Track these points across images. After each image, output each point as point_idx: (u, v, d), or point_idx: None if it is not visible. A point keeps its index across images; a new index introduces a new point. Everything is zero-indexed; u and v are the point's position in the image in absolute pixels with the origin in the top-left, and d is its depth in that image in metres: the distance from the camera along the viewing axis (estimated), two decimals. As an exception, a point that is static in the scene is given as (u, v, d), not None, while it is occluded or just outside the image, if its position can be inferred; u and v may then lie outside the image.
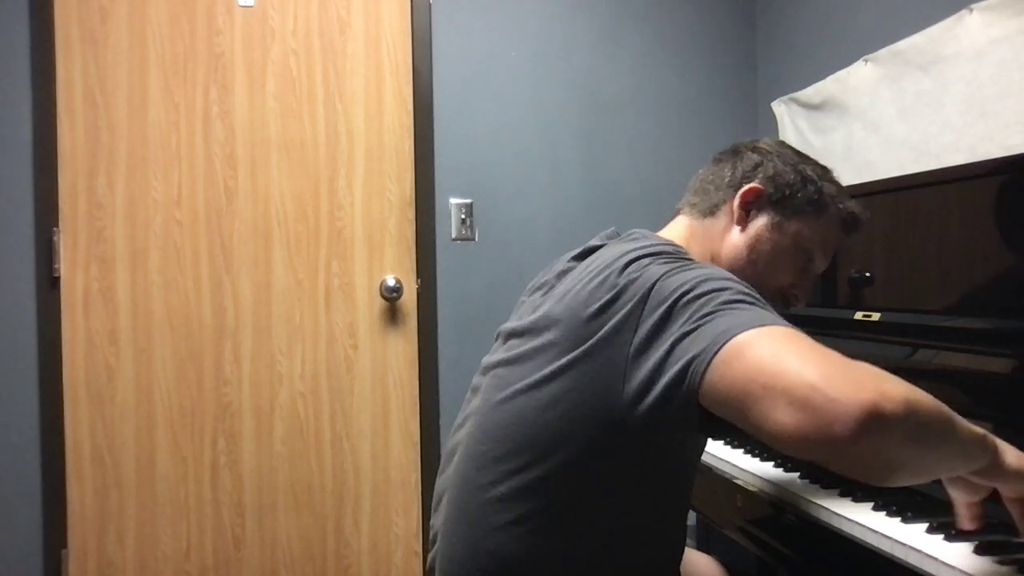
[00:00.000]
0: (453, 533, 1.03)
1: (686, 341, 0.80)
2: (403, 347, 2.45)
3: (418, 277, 2.46)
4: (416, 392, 2.46)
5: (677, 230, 1.13)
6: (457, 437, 1.11)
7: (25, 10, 2.19)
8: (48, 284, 2.21)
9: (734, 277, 0.88)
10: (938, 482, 1.09)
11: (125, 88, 2.27)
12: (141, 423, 2.28)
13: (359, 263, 2.42)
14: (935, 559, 0.88)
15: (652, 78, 2.66)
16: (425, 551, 2.34)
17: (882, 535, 0.96)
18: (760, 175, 1.10)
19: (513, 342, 1.04)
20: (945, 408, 0.74)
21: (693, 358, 0.78)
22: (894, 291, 1.39)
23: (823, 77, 2.28)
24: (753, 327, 0.77)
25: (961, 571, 0.85)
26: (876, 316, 1.35)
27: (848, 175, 2.15)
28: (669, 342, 0.82)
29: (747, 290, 0.85)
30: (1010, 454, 0.81)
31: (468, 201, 2.49)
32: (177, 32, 2.30)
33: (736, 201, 1.09)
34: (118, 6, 2.27)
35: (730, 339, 0.76)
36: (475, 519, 0.99)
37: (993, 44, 1.69)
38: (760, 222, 1.09)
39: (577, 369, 0.90)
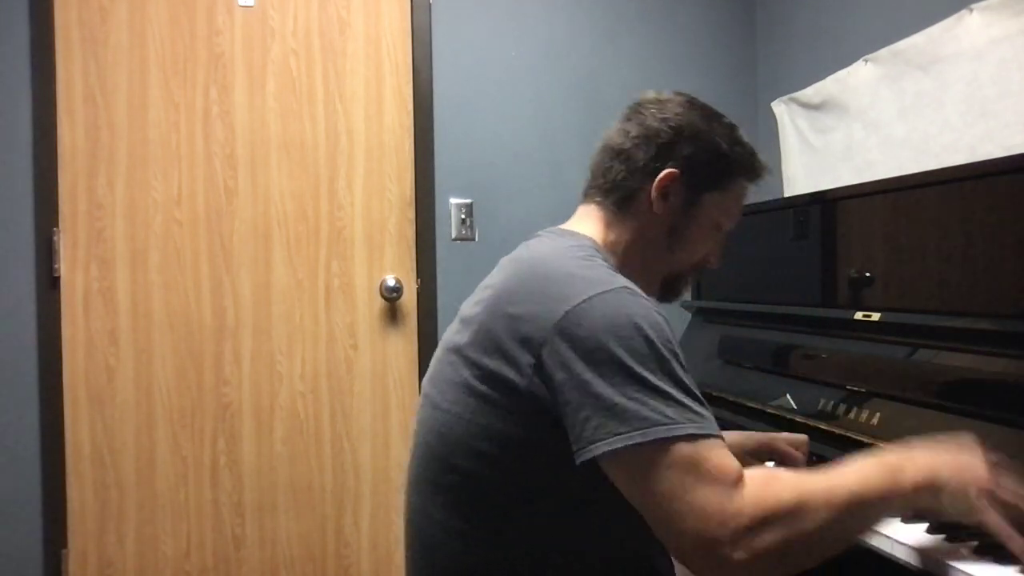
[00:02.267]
0: (410, 559, 1.07)
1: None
2: (403, 347, 2.45)
3: (418, 277, 2.45)
4: (416, 392, 2.45)
5: (591, 225, 1.09)
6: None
7: (25, 10, 2.18)
8: (48, 284, 2.21)
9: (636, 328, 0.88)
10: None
11: (125, 88, 2.27)
12: (141, 423, 2.28)
13: (359, 263, 2.42)
14: (935, 559, 0.88)
15: (652, 78, 2.66)
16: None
17: (882, 535, 0.97)
18: (674, 156, 1.06)
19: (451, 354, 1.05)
20: (837, 486, 0.82)
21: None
22: (894, 291, 1.39)
23: (823, 77, 2.28)
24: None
25: (961, 571, 0.85)
26: (876, 316, 1.35)
27: (848, 175, 2.15)
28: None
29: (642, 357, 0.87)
30: (944, 472, 0.85)
31: (468, 201, 2.49)
32: (177, 32, 2.30)
33: (654, 192, 1.06)
34: (118, 6, 2.27)
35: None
36: (426, 543, 1.03)
37: (993, 44, 1.69)
38: (676, 205, 1.07)
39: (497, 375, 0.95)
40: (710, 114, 1.10)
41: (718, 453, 0.84)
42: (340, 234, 2.41)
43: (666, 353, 0.88)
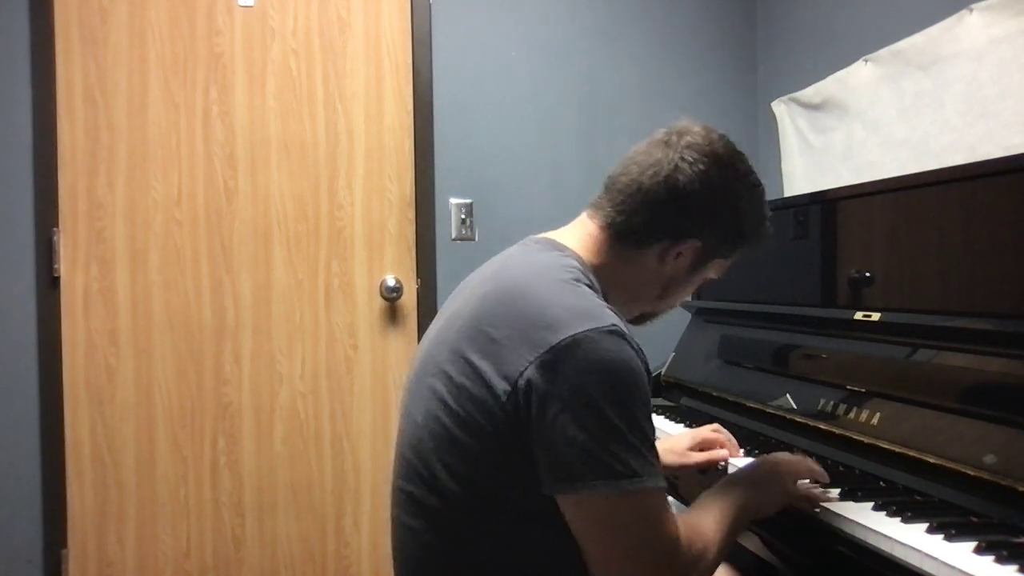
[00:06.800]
0: (396, 571, 1.09)
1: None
2: (403, 347, 2.45)
3: (418, 277, 2.45)
4: (416, 392, 2.45)
5: (586, 242, 1.07)
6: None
7: (25, 10, 2.18)
8: (48, 284, 2.21)
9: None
10: (939, 483, 1.09)
11: (125, 88, 2.27)
12: (141, 423, 2.28)
13: (359, 263, 2.42)
14: (935, 559, 0.88)
15: (652, 78, 2.66)
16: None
17: (882, 535, 0.96)
18: (702, 230, 1.05)
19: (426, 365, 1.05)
20: (728, 518, 1.00)
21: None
22: (894, 291, 1.39)
23: (823, 77, 2.28)
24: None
25: (961, 571, 0.85)
26: (876, 316, 1.35)
27: (848, 175, 2.16)
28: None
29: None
30: (765, 505, 1.07)
31: (468, 201, 2.49)
32: (177, 32, 2.30)
33: (670, 254, 1.06)
34: (118, 6, 2.27)
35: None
36: (407, 556, 1.04)
37: (993, 44, 1.69)
38: (682, 265, 1.08)
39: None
40: (747, 184, 1.08)
41: (665, 506, 0.92)
42: (340, 234, 2.41)
43: (639, 405, 0.90)
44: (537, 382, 0.88)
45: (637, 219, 1.04)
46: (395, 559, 1.09)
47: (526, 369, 0.89)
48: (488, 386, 0.91)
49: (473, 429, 0.93)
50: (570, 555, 0.96)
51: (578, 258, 1.04)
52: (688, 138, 1.06)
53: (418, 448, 1.00)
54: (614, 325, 0.91)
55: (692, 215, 1.04)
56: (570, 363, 0.88)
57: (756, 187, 1.09)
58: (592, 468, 0.87)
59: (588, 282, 1.00)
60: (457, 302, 1.06)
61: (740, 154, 1.09)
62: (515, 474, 0.94)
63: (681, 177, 1.03)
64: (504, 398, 0.90)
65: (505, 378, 0.90)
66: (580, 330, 0.89)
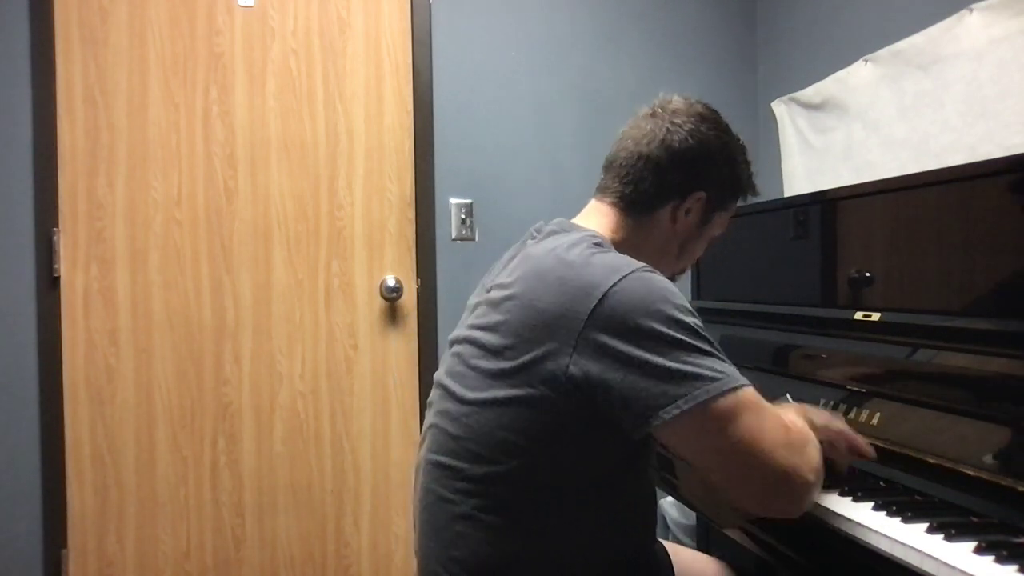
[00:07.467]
0: (423, 544, 1.09)
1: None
2: (403, 347, 2.45)
3: (418, 277, 2.46)
4: (416, 392, 2.46)
5: (602, 221, 1.16)
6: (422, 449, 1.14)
7: (25, 10, 2.19)
8: (48, 284, 2.21)
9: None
10: (939, 483, 1.09)
11: (125, 88, 2.27)
12: (141, 423, 2.28)
13: (359, 263, 2.42)
14: (935, 559, 0.88)
15: (652, 78, 2.66)
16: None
17: (882, 535, 0.96)
18: (704, 180, 1.15)
19: (465, 348, 1.07)
20: (805, 425, 1.01)
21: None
22: (894, 291, 1.39)
23: (823, 77, 2.28)
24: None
25: (961, 571, 0.85)
26: (876, 316, 1.35)
27: (848, 175, 2.16)
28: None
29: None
30: (818, 418, 1.09)
31: (468, 201, 2.49)
32: (177, 32, 2.30)
33: (680, 210, 1.15)
34: (118, 6, 2.27)
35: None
36: (441, 527, 1.04)
37: (993, 44, 1.69)
38: (692, 221, 1.17)
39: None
40: (733, 137, 1.20)
41: (761, 396, 0.95)
42: (340, 234, 2.41)
43: (695, 319, 0.95)
44: (598, 336, 0.93)
45: (644, 185, 1.14)
46: (425, 529, 1.09)
47: (583, 328, 0.93)
48: (549, 355, 0.95)
49: (535, 401, 0.96)
50: (620, 528, 1.04)
51: (598, 235, 1.10)
52: (672, 106, 1.18)
53: (467, 425, 1.01)
54: (644, 265, 0.99)
55: (693, 170, 1.14)
56: (621, 308, 0.93)
57: (738, 140, 1.23)
58: (683, 383, 0.90)
59: (612, 249, 1.07)
60: (492, 292, 1.08)
61: (719, 113, 1.21)
62: (574, 445, 0.97)
63: (675, 138, 1.14)
64: (567, 360, 0.94)
65: (564, 342, 0.94)
66: (619, 277, 0.95)
